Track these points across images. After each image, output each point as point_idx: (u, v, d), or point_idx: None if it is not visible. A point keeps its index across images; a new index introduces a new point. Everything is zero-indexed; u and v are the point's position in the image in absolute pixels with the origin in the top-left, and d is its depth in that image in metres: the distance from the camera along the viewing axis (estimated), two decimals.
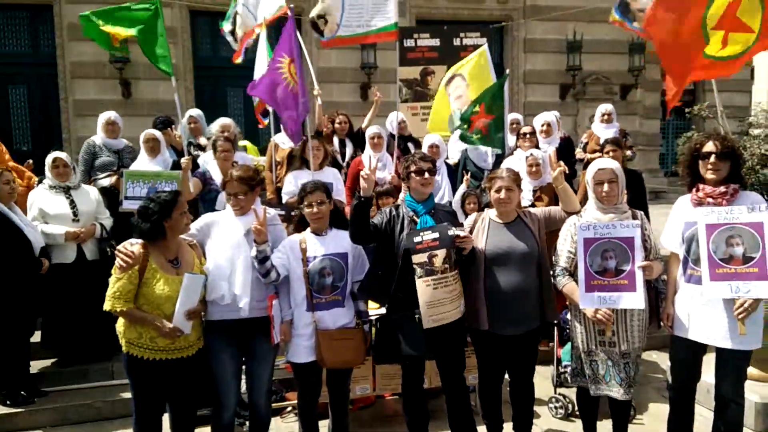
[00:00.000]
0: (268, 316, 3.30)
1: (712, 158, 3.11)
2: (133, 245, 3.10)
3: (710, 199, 3.12)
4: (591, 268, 3.23)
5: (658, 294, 3.45)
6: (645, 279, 3.21)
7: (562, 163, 3.55)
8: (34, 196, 4.71)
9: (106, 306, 3.05)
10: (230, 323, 3.31)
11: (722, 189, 3.10)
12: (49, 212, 4.62)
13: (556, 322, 4.04)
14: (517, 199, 3.53)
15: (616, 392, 3.33)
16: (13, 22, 11.66)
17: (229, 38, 6.64)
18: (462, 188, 5.41)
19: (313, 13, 5.46)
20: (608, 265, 3.22)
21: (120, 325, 3.18)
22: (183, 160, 4.72)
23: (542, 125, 6.00)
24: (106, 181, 5.55)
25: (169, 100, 5.44)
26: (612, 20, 7.02)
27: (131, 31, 5.34)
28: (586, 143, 6.88)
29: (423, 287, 3.19)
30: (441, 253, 3.21)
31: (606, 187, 3.28)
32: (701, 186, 3.19)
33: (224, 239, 3.36)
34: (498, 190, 3.41)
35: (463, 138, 5.95)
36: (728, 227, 3.02)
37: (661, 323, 3.44)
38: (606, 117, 6.88)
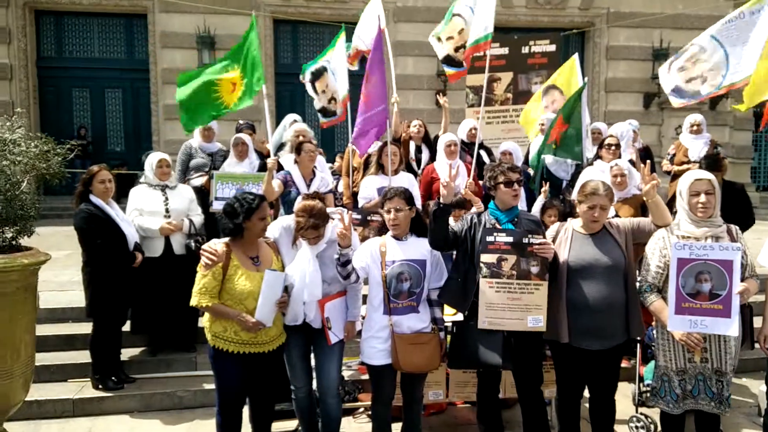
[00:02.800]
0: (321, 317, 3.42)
1: None
2: (216, 245, 3.25)
3: None
4: (683, 290, 3.07)
5: (752, 311, 3.25)
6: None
7: (655, 175, 3.40)
8: (134, 193, 5.02)
9: (193, 302, 3.21)
10: (300, 326, 3.49)
11: None
12: (144, 208, 4.91)
13: (639, 338, 3.87)
14: (606, 217, 3.40)
15: (706, 406, 3.18)
16: (110, 29, 12.51)
17: (309, 87, 6.76)
18: (540, 199, 5.31)
19: (453, 47, 5.81)
20: (702, 288, 3.04)
21: (206, 319, 3.34)
22: (269, 161, 4.88)
23: (614, 137, 5.81)
24: (197, 181, 5.91)
25: (252, 105, 5.65)
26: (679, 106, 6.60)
27: (236, 70, 5.24)
28: (674, 155, 6.57)
29: (486, 287, 3.22)
30: (511, 259, 3.20)
31: (703, 198, 3.12)
32: None
33: (296, 263, 3.44)
34: (592, 207, 3.29)
35: (540, 150, 5.90)
36: None
37: (756, 344, 3.23)
38: (695, 127, 6.56)
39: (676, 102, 6.15)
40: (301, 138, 5.47)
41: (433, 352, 3.43)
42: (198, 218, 5.11)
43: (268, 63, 12.13)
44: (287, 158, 5.57)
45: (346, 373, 4.48)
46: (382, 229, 3.66)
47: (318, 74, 6.55)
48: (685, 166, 6.18)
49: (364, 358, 3.50)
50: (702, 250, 3.06)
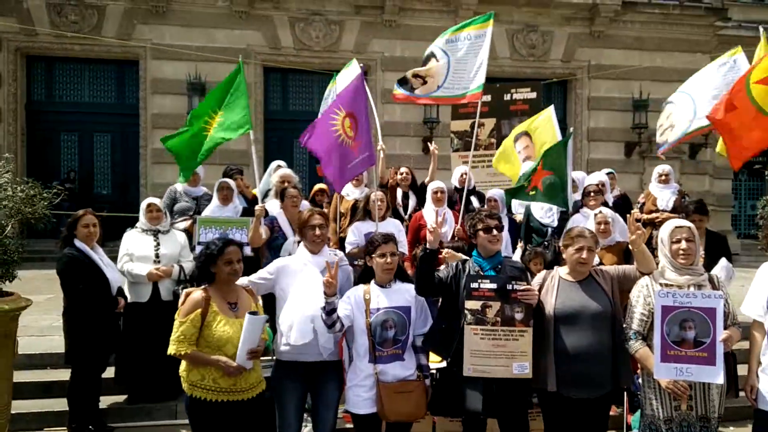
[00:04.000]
0: (339, 360, 3.37)
1: None
2: (195, 291, 3.26)
3: None
4: (668, 337, 3.08)
5: (735, 359, 3.27)
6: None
7: (640, 225, 3.47)
8: (127, 237, 5.02)
9: (171, 350, 3.17)
10: (298, 365, 3.43)
11: None
12: (135, 253, 4.89)
13: (626, 387, 3.85)
14: (593, 260, 3.45)
15: None
16: (102, 74, 12.65)
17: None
18: (518, 252, 5.38)
19: (412, 72, 5.84)
20: (687, 335, 3.05)
21: (183, 368, 3.29)
22: (257, 208, 4.90)
23: (597, 185, 5.92)
24: (181, 225, 5.85)
25: (239, 149, 5.70)
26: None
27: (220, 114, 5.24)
28: (644, 203, 6.76)
29: (470, 334, 3.22)
30: (495, 305, 3.22)
31: (684, 245, 3.18)
32: None
33: (301, 281, 3.47)
34: (580, 249, 3.34)
35: (520, 196, 5.96)
36: None
37: (741, 393, 3.23)
38: (663, 177, 6.77)
39: (659, 152, 6.58)
40: (286, 184, 5.52)
41: (419, 401, 3.39)
42: (189, 264, 5.07)
43: (258, 109, 12.29)
44: (273, 204, 5.59)
45: None
46: (361, 276, 3.64)
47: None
48: (654, 215, 6.38)
49: (349, 407, 3.45)
50: (685, 297, 3.09)
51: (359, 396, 3.37)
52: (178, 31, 12.08)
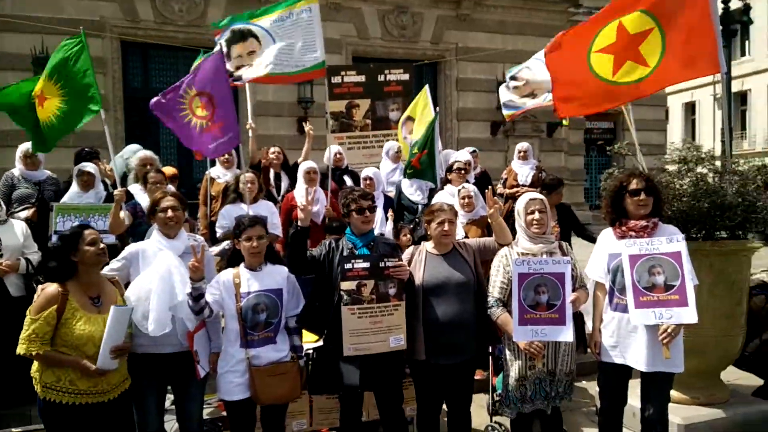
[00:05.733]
0: (191, 351, 3.25)
1: (642, 195, 3.30)
2: (49, 286, 2.98)
3: (633, 233, 3.30)
4: (525, 302, 3.32)
5: (583, 319, 3.60)
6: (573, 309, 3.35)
7: (497, 199, 3.69)
8: None
9: (20, 350, 2.89)
10: (156, 357, 3.24)
11: (644, 223, 3.30)
12: None
13: (491, 351, 4.11)
14: (455, 232, 3.62)
15: (542, 406, 3.46)
16: None
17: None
18: (389, 224, 5.54)
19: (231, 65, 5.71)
20: (541, 299, 3.31)
21: (35, 369, 3.00)
22: (116, 192, 4.56)
23: (463, 162, 6.23)
24: (23, 214, 5.25)
25: (96, 131, 5.27)
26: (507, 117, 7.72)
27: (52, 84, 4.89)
28: (506, 179, 7.23)
29: (347, 315, 3.25)
30: (370, 284, 3.28)
31: (537, 215, 3.43)
32: (624, 220, 3.38)
33: (153, 267, 3.27)
34: (441, 223, 3.49)
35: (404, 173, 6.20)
36: (650, 258, 3.20)
37: (588, 349, 3.57)
38: (522, 154, 7.30)
39: (505, 113, 7.35)
40: (148, 167, 5.20)
41: (293, 382, 3.38)
42: (35, 256, 4.61)
43: (116, 87, 11.45)
44: (135, 188, 5.24)
45: (205, 411, 4.25)
46: (229, 260, 3.54)
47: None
48: (515, 189, 6.90)
49: (222, 394, 3.36)
50: (538, 264, 3.34)
51: (231, 382, 3.29)
52: (21, 0, 10.86)
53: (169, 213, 3.36)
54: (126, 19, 11.48)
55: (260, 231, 3.37)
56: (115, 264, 3.38)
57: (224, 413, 3.84)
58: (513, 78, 7.28)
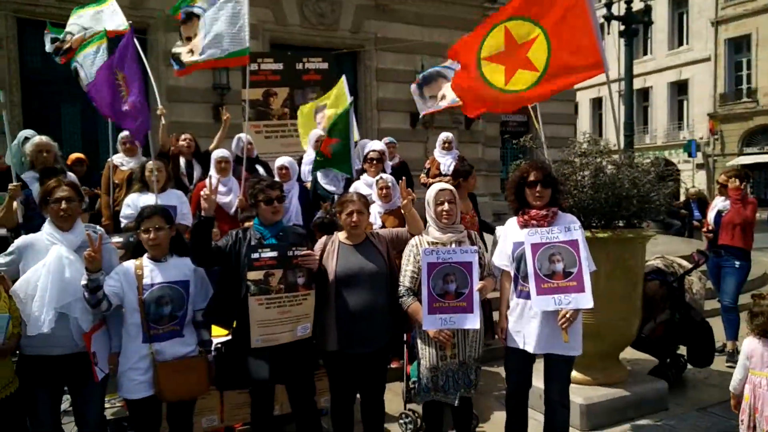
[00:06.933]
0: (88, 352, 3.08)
1: (538, 187, 3.43)
2: None
3: (534, 222, 3.44)
4: (434, 291, 3.38)
5: (491, 306, 3.72)
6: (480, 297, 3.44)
7: (410, 190, 3.72)
8: None
9: None
10: (47, 359, 3.04)
11: (544, 212, 3.44)
12: None
13: (406, 339, 4.16)
14: (366, 222, 3.63)
15: (452, 399, 3.53)
16: None
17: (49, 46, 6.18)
18: (320, 213, 5.46)
19: (178, 49, 5.54)
20: (449, 288, 3.38)
21: None
22: (11, 186, 4.24)
23: (377, 152, 6.24)
24: None
25: None
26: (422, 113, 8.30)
27: None
28: (429, 169, 7.32)
29: (255, 305, 3.19)
30: (278, 273, 3.22)
31: (446, 206, 3.49)
32: (526, 209, 3.51)
33: (42, 262, 3.06)
34: (350, 214, 3.49)
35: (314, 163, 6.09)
36: (550, 246, 3.34)
37: (495, 335, 3.69)
38: (446, 144, 7.40)
39: (422, 108, 8.01)
40: (45, 154, 4.87)
41: (200, 377, 3.28)
42: None
43: (13, 68, 10.62)
44: (30, 176, 4.89)
45: (110, 411, 4.06)
46: (134, 251, 3.38)
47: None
48: (438, 179, 6.93)
49: (123, 393, 3.22)
50: (447, 254, 3.41)
51: (133, 380, 3.15)
52: None
53: (63, 205, 3.14)
54: None
55: (159, 222, 3.23)
56: (2, 259, 3.14)
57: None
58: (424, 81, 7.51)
